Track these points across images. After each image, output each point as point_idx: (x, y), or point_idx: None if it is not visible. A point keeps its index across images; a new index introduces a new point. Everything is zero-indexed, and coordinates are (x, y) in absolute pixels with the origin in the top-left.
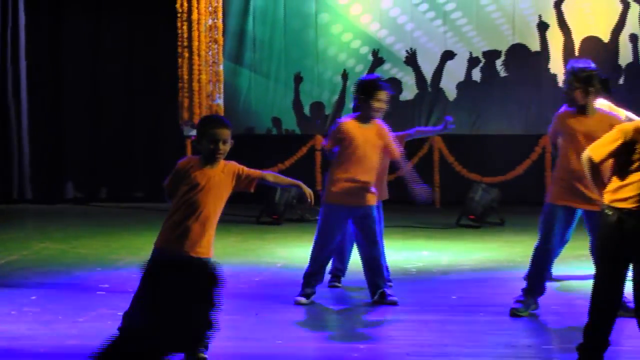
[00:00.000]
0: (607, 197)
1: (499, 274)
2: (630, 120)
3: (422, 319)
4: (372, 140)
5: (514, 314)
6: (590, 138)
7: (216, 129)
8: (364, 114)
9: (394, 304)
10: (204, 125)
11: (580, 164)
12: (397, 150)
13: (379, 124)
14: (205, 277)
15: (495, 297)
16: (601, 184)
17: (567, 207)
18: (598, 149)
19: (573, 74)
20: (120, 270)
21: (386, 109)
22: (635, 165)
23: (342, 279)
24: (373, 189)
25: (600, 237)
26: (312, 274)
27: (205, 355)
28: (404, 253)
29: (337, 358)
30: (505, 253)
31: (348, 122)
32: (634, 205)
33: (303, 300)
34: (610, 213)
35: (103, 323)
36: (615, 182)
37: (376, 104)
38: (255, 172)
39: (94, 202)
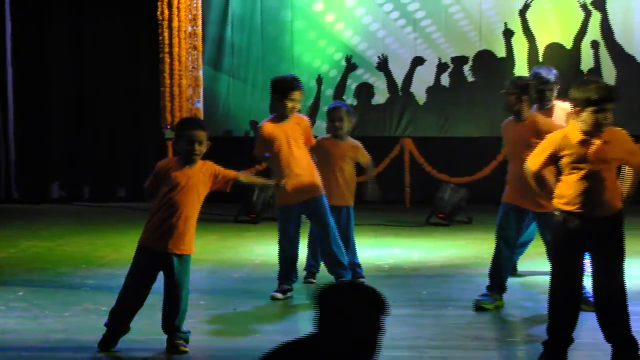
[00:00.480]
0: (554, 200)
1: (467, 270)
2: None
3: (393, 313)
4: (292, 135)
5: (478, 306)
6: (520, 144)
7: (192, 130)
8: (280, 113)
9: None
10: (181, 127)
11: (520, 168)
12: (312, 138)
13: (296, 116)
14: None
15: (464, 292)
16: (547, 189)
17: (518, 207)
18: (533, 158)
19: (512, 81)
20: (104, 267)
21: (299, 107)
22: (569, 169)
23: (317, 275)
24: (312, 180)
25: (552, 237)
26: (284, 273)
27: (187, 349)
28: (376, 250)
29: None
30: (472, 250)
31: (266, 125)
32: (574, 207)
33: (279, 295)
34: (557, 214)
35: (88, 318)
36: (558, 186)
37: (290, 104)
38: (231, 173)
39: (78, 202)
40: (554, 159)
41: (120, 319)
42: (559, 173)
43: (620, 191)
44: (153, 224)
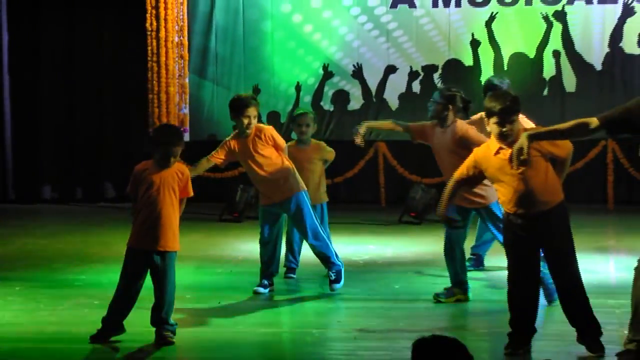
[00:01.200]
0: (501, 205)
1: (437, 265)
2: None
3: (368, 305)
4: (254, 148)
5: (435, 299)
6: (444, 149)
7: (170, 146)
8: (240, 130)
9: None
10: (159, 137)
11: (446, 171)
12: (278, 141)
13: (255, 128)
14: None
15: (434, 286)
16: (456, 196)
17: (460, 206)
18: (459, 169)
19: (440, 90)
20: (95, 264)
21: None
22: (495, 179)
23: (297, 270)
24: (284, 181)
25: (504, 236)
26: (264, 269)
27: (174, 340)
28: (352, 247)
29: (293, 342)
30: (442, 247)
31: (231, 141)
32: (512, 208)
33: (261, 290)
34: (505, 214)
35: (80, 311)
36: (500, 196)
37: (245, 120)
38: (187, 190)
39: (70, 202)
40: (476, 171)
41: (113, 317)
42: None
43: (556, 183)
44: (138, 225)
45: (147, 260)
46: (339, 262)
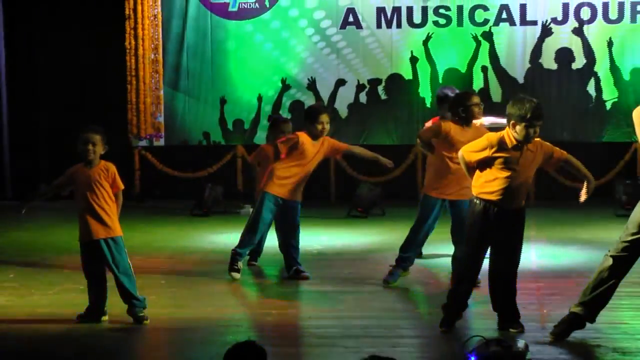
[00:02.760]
0: (474, 190)
1: (381, 254)
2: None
3: (321, 290)
4: (321, 150)
5: (386, 283)
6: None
7: (87, 133)
8: (312, 134)
9: (307, 278)
10: (80, 132)
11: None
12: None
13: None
14: None
15: (378, 272)
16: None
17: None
18: (470, 154)
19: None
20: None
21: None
22: (499, 167)
23: (259, 259)
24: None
25: (469, 222)
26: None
27: (147, 319)
28: (307, 238)
29: (255, 321)
30: (385, 238)
31: (304, 137)
32: (497, 198)
33: (236, 274)
34: (477, 202)
35: (68, 295)
36: (481, 177)
37: (319, 126)
38: (119, 185)
39: (60, 199)
40: (488, 158)
41: (92, 301)
42: (482, 166)
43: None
44: (79, 220)
45: (94, 250)
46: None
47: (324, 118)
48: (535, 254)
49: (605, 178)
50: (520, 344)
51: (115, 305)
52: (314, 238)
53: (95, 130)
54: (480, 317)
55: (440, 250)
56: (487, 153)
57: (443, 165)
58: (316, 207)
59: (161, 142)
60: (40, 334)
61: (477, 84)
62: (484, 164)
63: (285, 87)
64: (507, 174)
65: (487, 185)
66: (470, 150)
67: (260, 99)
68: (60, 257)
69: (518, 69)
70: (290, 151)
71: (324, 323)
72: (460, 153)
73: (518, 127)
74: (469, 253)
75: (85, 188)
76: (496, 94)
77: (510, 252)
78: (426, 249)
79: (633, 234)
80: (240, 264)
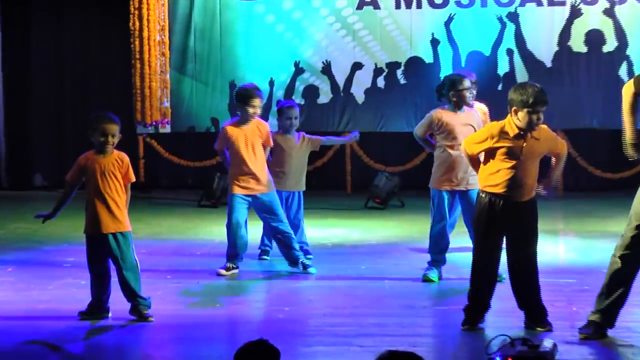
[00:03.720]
0: (480, 183)
1: (400, 247)
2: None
3: (336, 285)
4: (251, 137)
5: (426, 279)
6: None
7: (105, 123)
8: (242, 118)
9: (313, 272)
10: (95, 121)
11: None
12: (270, 140)
13: (256, 121)
14: None
15: (397, 266)
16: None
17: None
18: (471, 146)
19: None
20: (83, 246)
21: (259, 113)
22: (502, 158)
23: (270, 252)
24: (263, 178)
25: (476, 216)
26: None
27: (151, 317)
28: (322, 230)
29: (266, 318)
30: (405, 230)
31: (229, 127)
32: (502, 190)
33: (223, 272)
34: (483, 195)
35: (69, 290)
36: (485, 170)
37: (251, 110)
38: (131, 178)
39: (59, 189)
40: (490, 148)
41: (96, 298)
42: (486, 159)
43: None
44: (89, 213)
45: (102, 244)
46: (300, 252)
47: (257, 102)
48: (564, 249)
49: (637, 168)
50: (548, 343)
51: (118, 302)
52: (330, 231)
53: (114, 120)
54: (506, 315)
55: (461, 243)
56: (488, 144)
57: (444, 156)
58: (332, 198)
59: (167, 128)
60: (40, 332)
61: (502, 68)
62: (487, 155)
63: (299, 70)
64: (511, 164)
65: (491, 177)
66: (471, 142)
67: (271, 83)
68: (60, 249)
69: (545, 53)
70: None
71: (339, 320)
72: (462, 146)
73: (520, 114)
74: (479, 249)
75: (97, 178)
76: (522, 78)
77: (524, 245)
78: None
79: (637, 227)
80: (231, 265)
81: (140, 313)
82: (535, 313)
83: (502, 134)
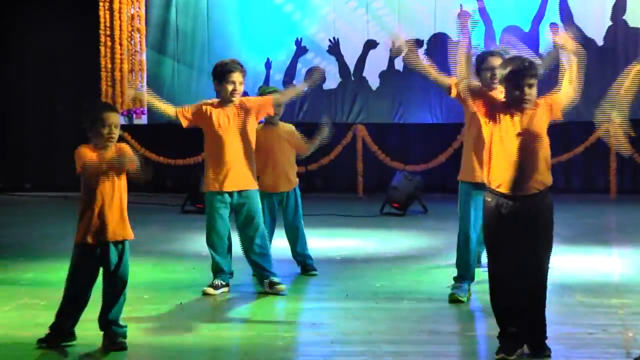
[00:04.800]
0: (487, 185)
1: (423, 261)
2: None
3: (346, 306)
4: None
5: (454, 299)
6: None
7: (105, 111)
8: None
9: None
10: (92, 110)
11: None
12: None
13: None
14: None
15: (420, 284)
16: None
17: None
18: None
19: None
20: (42, 260)
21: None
22: (497, 150)
23: None
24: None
25: (483, 225)
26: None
27: (126, 347)
28: (328, 241)
29: (263, 347)
30: (428, 241)
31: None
32: (506, 190)
33: (210, 291)
34: (489, 199)
35: (27, 312)
36: (489, 170)
37: (230, 87)
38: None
39: (18, 192)
40: (489, 101)
41: (63, 321)
42: (487, 157)
43: (549, 162)
44: (87, 218)
45: (100, 254)
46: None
47: (237, 77)
48: (618, 263)
49: None
50: None
51: (85, 325)
52: (338, 241)
53: (113, 108)
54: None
55: None
56: (491, 101)
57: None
58: (341, 202)
59: (143, 119)
60: None
61: (545, 46)
62: (488, 150)
63: (301, 50)
64: (509, 149)
65: (493, 178)
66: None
67: (268, 65)
68: (15, 264)
69: (596, 28)
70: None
71: (350, 349)
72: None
73: (506, 90)
74: (494, 264)
75: (98, 177)
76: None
77: (533, 258)
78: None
79: None
80: (219, 282)
81: (113, 341)
82: (535, 332)
83: (502, 106)
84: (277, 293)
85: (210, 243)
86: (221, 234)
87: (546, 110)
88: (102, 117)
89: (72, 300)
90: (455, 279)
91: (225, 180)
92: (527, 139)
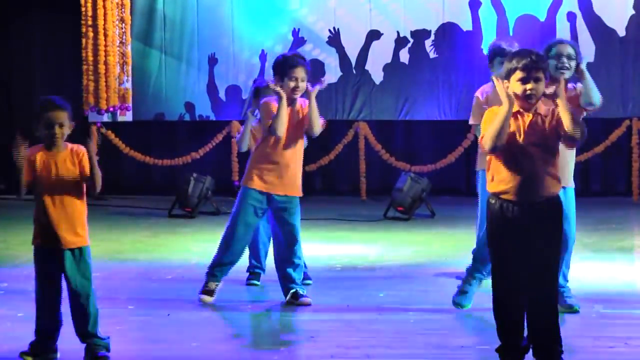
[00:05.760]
0: (490, 188)
1: (430, 269)
2: None
3: (347, 318)
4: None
5: (457, 304)
6: None
7: (48, 111)
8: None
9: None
10: (38, 110)
11: None
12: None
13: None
14: None
15: (426, 294)
16: None
17: None
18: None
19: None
20: (19, 268)
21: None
22: (505, 156)
23: (261, 276)
24: None
25: (487, 230)
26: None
27: (108, 358)
28: (328, 248)
29: None
30: (436, 247)
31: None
32: (513, 197)
33: (206, 297)
34: (493, 201)
35: (2, 325)
36: (493, 174)
37: (292, 83)
38: (85, 171)
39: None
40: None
41: (41, 337)
42: (493, 161)
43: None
44: (40, 221)
45: (56, 260)
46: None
47: (299, 72)
48: None
49: None
50: None
51: (68, 340)
52: (338, 247)
53: (59, 105)
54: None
55: None
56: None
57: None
58: (342, 206)
59: (128, 116)
60: None
61: (562, 37)
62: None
63: (298, 41)
64: (510, 152)
65: (499, 183)
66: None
67: (263, 57)
68: None
69: (618, 17)
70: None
71: None
72: (485, 146)
73: (512, 84)
74: (498, 271)
75: (49, 180)
76: (588, 50)
77: (542, 266)
78: None
79: None
80: (213, 284)
81: (94, 354)
82: (550, 350)
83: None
84: (302, 304)
85: None
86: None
87: (551, 120)
88: (43, 116)
89: (43, 306)
90: (469, 271)
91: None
92: (533, 144)
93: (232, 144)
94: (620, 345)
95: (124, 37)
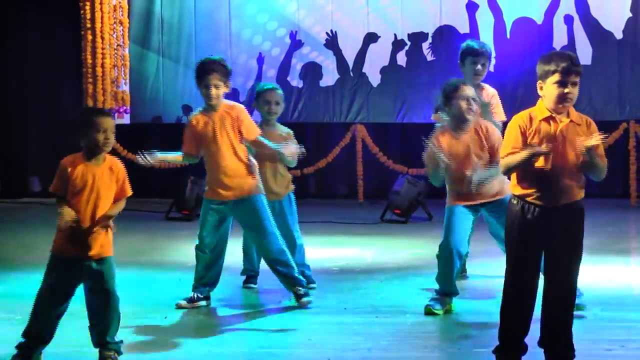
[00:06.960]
0: (513, 189)
1: (427, 272)
2: None
3: (344, 321)
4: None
5: (428, 311)
6: None
7: (99, 116)
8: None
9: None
10: (87, 116)
11: None
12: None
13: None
14: None
15: (423, 297)
16: None
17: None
18: (513, 160)
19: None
20: (17, 271)
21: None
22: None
23: (257, 278)
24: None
25: (507, 229)
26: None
27: None
28: (325, 251)
29: None
30: (433, 250)
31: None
32: (535, 200)
33: (184, 303)
34: (515, 202)
35: (1, 328)
36: (517, 175)
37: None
38: (127, 192)
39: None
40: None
41: (31, 342)
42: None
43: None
44: (66, 230)
45: (79, 270)
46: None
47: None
48: (638, 273)
49: None
50: None
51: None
52: (335, 250)
53: (108, 113)
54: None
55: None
56: (527, 139)
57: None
58: (339, 208)
59: (126, 119)
60: None
61: (559, 40)
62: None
63: (296, 43)
64: (543, 157)
65: (521, 185)
66: (510, 154)
67: (261, 59)
68: None
69: (615, 20)
70: None
71: None
72: (501, 168)
73: (546, 87)
74: (511, 272)
75: (88, 190)
76: (584, 53)
77: (563, 270)
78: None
79: None
80: (196, 295)
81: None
82: (560, 354)
83: (532, 119)
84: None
85: None
86: None
87: (585, 130)
88: (95, 121)
89: (45, 313)
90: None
91: None
92: (564, 150)
93: None
94: (618, 348)
95: (121, 40)
